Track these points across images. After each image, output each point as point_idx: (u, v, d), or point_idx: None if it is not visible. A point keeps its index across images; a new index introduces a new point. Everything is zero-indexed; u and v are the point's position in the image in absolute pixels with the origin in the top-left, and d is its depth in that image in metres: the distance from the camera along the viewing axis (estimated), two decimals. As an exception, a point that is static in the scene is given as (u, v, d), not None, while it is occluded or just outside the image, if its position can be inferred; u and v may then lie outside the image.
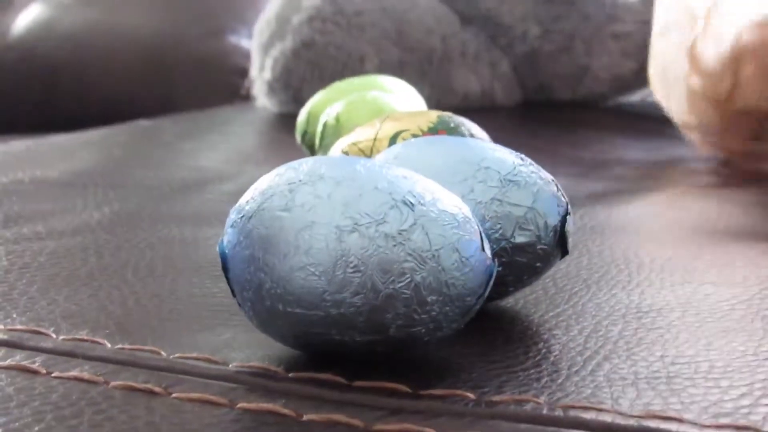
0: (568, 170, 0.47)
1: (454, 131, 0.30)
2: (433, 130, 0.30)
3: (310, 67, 0.65)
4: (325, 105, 0.42)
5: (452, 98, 0.68)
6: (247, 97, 0.73)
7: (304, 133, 0.43)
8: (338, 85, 0.43)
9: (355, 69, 0.66)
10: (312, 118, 0.42)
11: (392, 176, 0.21)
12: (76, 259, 0.30)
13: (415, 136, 0.30)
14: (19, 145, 0.52)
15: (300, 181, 0.21)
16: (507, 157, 0.25)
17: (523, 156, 0.25)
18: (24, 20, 1.08)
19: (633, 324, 0.25)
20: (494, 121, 0.65)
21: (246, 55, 0.96)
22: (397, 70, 0.66)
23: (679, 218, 0.36)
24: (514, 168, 0.24)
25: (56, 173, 0.43)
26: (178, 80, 1.01)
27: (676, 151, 0.55)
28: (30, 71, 1.05)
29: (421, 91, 0.67)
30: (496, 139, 0.56)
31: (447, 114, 0.31)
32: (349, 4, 0.66)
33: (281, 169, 0.22)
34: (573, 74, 0.70)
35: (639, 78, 0.71)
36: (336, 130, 0.38)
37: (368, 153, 0.30)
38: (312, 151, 0.42)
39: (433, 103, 0.68)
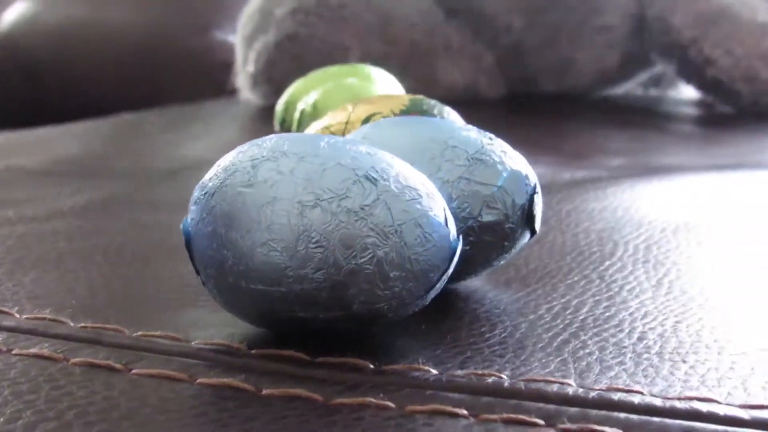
0: (548, 159, 0.47)
1: (427, 114, 0.30)
2: (406, 113, 0.30)
3: (293, 60, 0.65)
4: (303, 93, 0.41)
5: (436, 91, 0.68)
6: (232, 92, 0.73)
7: (283, 121, 0.42)
8: (316, 74, 0.43)
9: (339, 62, 0.65)
10: (290, 106, 0.42)
11: (356, 152, 0.21)
12: (46, 243, 0.29)
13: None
14: (-2, 136, 0.52)
15: (263, 157, 0.21)
16: (475, 136, 0.25)
17: (491, 136, 0.25)
18: (9, 16, 1.08)
19: (603, 303, 0.24)
20: (478, 114, 0.64)
21: (232, 51, 0.96)
22: (381, 63, 0.66)
23: (657, 204, 0.36)
24: (482, 147, 0.24)
25: (33, 163, 0.42)
26: (164, 76, 1.01)
27: (658, 141, 0.55)
28: (15, 68, 1.05)
29: (404, 84, 0.67)
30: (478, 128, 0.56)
31: (420, 97, 0.31)
32: (333, -4, 0.66)
33: (244, 147, 0.22)
34: (557, 67, 0.70)
35: (623, 70, 0.71)
36: (313, 117, 0.38)
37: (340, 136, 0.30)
38: (290, 139, 0.42)
39: (417, 96, 0.68)
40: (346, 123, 0.30)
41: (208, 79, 0.96)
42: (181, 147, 0.49)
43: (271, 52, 0.65)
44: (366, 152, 0.21)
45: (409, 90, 0.67)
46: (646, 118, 0.64)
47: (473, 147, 0.24)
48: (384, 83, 0.42)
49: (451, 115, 0.31)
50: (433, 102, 0.31)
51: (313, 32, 0.65)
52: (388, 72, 0.66)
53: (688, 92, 0.73)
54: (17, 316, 0.23)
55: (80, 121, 0.63)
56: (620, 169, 0.44)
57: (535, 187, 0.25)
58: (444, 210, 0.21)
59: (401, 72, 0.67)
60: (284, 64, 0.65)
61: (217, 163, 0.22)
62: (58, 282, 0.26)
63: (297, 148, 0.21)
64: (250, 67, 0.66)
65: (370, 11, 0.66)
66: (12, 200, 0.35)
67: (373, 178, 0.21)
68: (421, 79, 0.68)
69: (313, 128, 0.31)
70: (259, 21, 0.67)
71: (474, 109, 0.66)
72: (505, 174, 0.24)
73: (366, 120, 0.30)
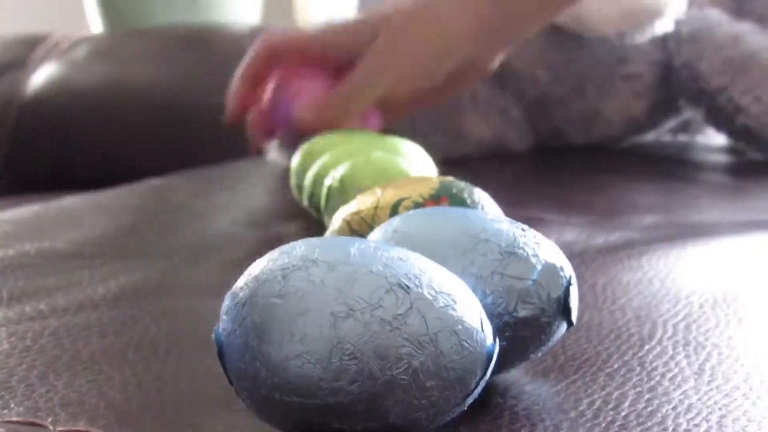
0: (579, 219, 0.46)
1: (456, 198, 0.30)
2: (435, 197, 0.30)
3: (319, 121, 0.65)
4: (331, 167, 0.41)
5: (464, 145, 0.68)
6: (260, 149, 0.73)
7: (311, 195, 0.42)
8: (344, 147, 0.43)
9: (365, 120, 0.65)
10: (318, 180, 0.42)
11: (387, 258, 0.21)
12: (78, 339, 0.29)
13: (416, 203, 0.29)
14: (28, 211, 0.52)
15: (293, 266, 0.21)
16: (507, 228, 0.24)
17: (524, 226, 0.25)
18: (39, 78, 1.09)
19: (645, 396, 0.24)
20: (507, 168, 0.64)
21: (258, 107, 0.96)
22: (408, 118, 0.66)
23: (693, 273, 0.35)
24: (515, 240, 0.24)
25: (63, 244, 0.42)
26: (194, 133, 1.01)
27: (690, 194, 0.54)
28: (46, 129, 1.06)
29: (432, 139, 0.67)
30: (509, 186, 0.56)
31: (449, 179, 0.30)
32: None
33: (274, 254, 0.22)
34: (585, 117, 0.69)
35: (651, 118, 0.70)
36: (341, 193, 0.38)
37: (370, 222, 0.30)
38: (319, 212, 0.42)
39: (445, 152, 0.67)
40: (375, 208, 0.30)
41: (237, 136, 0.97)
42: (209, 219, 0.49)
43: (298, 114, 0.65)
44: (398, 257, 0.21)
45: (437, 145, 0.67)
46: (676, 167, 0.63)
47: (506, 240, 0.24)
48: (411, 155, 0.42)
49: (481, 197, 0.30)
50: (462, 184, 0.30)
51: (338, 92, 0.65)
52: (415, 128, 0.66)
53: (717, 138, 0.72)
54: (51, 428, 0.23)
55: (113, 182, 0.64)
56: (653, 229, 0.44)
57: (570, 279, 0.24)
58: (480, 314, 0.21)
59: (428, 127, 0.67)
60: (311, 125, 0.65)
61: (248, 270, 0.22)
62: (91, 385, 0.25)
63: (327, 255, 0.21)
64: (277, 129, 0.66)
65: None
66: (44, 289, 0.35)
67: (405, 285, 0.20)
68: (449, 133, 0.67)
69: (342, 213, 0.31)
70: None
71: (502, 164, 0.65)
72: (539, 267, 0.24)
73: (395, 205, 0.30)
